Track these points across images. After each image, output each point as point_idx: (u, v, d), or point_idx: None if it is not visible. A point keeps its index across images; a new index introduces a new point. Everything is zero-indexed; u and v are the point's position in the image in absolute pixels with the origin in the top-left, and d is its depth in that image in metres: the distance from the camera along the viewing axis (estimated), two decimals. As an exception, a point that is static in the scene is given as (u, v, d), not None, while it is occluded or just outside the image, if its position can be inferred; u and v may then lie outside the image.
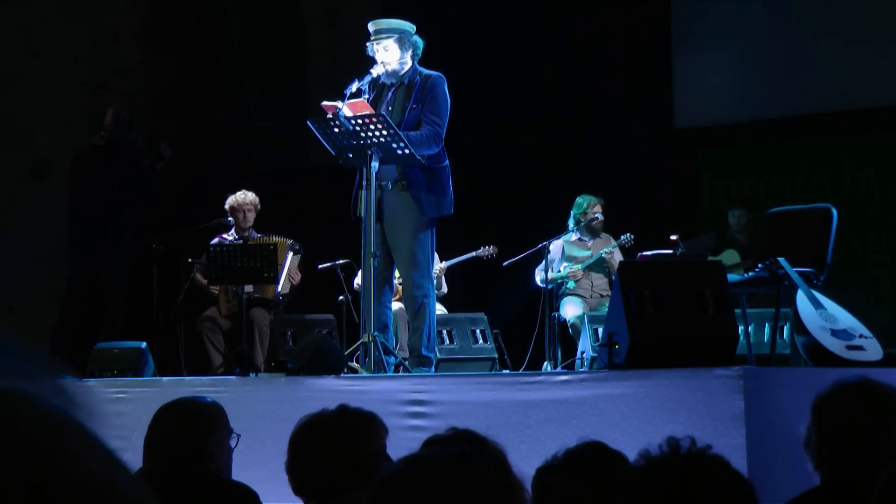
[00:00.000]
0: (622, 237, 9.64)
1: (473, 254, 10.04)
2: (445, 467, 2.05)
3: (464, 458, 2.08)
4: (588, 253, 9.66)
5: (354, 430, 3.52)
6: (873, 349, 6.03)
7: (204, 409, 4.05)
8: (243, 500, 4.00)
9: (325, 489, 3.46)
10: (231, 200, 9.40)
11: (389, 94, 7.16)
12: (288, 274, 9.26)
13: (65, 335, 8.93)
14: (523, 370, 8.77)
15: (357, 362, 7.04)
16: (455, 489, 2.01)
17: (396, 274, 7.44)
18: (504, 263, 9.74)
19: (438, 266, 9.64)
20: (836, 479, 3.05)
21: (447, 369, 8.29)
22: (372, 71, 7.10)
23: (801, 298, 6.30)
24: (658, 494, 2.04)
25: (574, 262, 9.62)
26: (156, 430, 3.99)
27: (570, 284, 9.56)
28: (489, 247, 10.01)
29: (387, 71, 7.10)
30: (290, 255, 9.28)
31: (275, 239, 9.24)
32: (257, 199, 9.41)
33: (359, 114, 6.84)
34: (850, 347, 6.04)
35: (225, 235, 9.38)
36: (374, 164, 6.87)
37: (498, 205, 11.18)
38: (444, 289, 9.86)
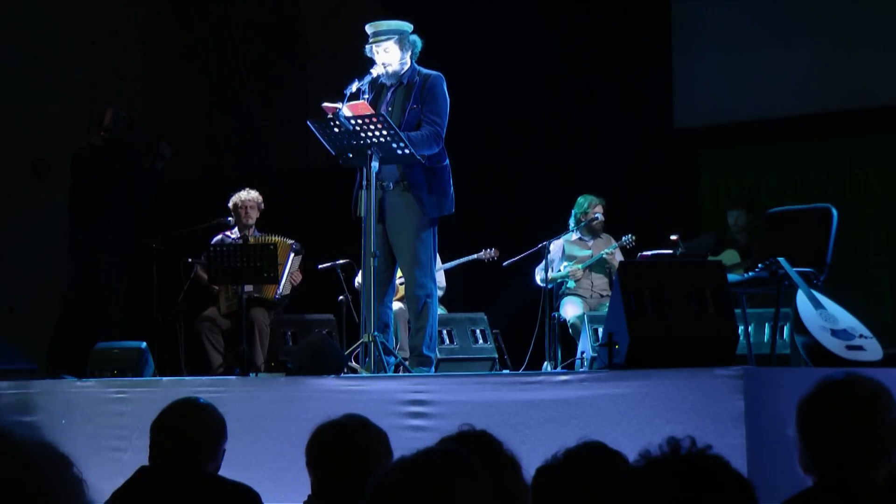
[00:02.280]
0: (623, 238, 9.64)
1: (474, 256, 10.03)
2: (437, 468, 2.05)
3: (456, 459, 2.08)
4: (588, 252, 9.66)
5: (362, 435, 3.54)
6: (873, 349, 6.03)
7: (212, 412, 4.07)
8: (246, 501, 4.00)
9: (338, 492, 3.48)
10: (235, 198, 9.43)
11: (389, 95, 7.16)
12: (289, 275, 9.27)
13: (65, 335, 8.92)
14: (523, 370, 8.77)
15: (357, 362, 7.04)
16: (446, 490, 2.01)
17: (397, 274, 7.44)
18: (504, 263, 9.74)
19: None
20: (828, 479, 3.04)
21: (447, 369, 8.29)
22: (372, 71, 7.10)
23: (801, 298, 6.30)
24: (658, 495, 2.03)
25: (574, 262, 9.62)
26: (165, 428, 4.00)
27: (570, 284, 9.56)
28: (490, 249, 10.00)
29: (387, 72, 7.10)
30: (292, 256, 9.29)
31: (275, 239, 9.24)
32: (261, 198, 9.44)
33: (359, 114, 6.85)
34: (850, 347, 6.04)
35: (228, 233, 9.40)
36: (375, 165, 6.87)
37: (498, 205, 11.18)
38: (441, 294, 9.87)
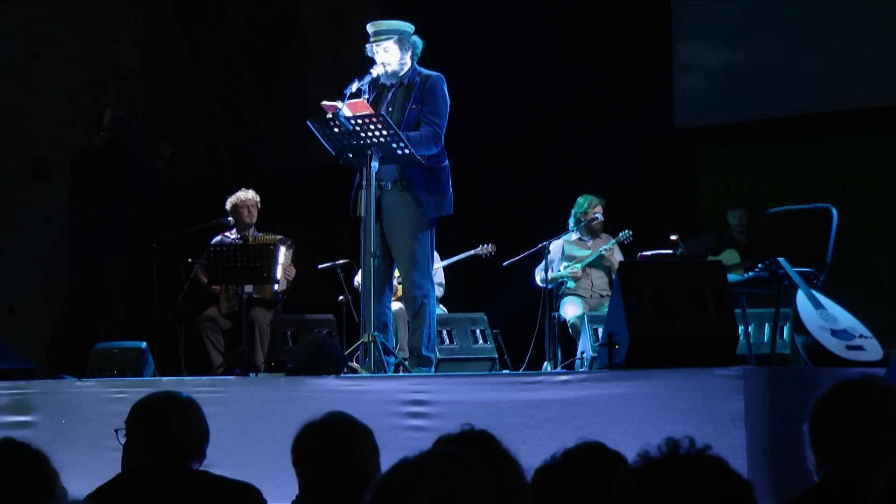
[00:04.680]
0: (621, 234, 9.65)
1: (472, 252, 10.03)
2: (441, 469, 2.05)
3: (459, 460, 2.08)
4: (588, 252, 9.66)
5: (347, 434, 3.52)
6: (873, 349, 6.02)
7: (196, 406, 4.03)
8: (248, 499, 3.99)
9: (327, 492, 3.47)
10: (232, 199, 9.43)
11: (389, 95, 7.16)
12: (283, 269, 9.24)
13: (65, 335, 8.92)
14: (523, 370, 8.77)
15: (357, 362, 7.04)
16: (450, 491, 2.01)
17: (396, 274, 7.44)
18: (504, 263, 9.74)
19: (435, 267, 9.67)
20: (835, 477, 3.04)
21: (447, 369, 8.29)
22: (372, 71, 7.10)
23: (801, 298, 6.30)
24: (656, 495, 2.04)
25: (574, 262, 9.62)
26: (152, 425, 3.96)
27: (570, 284, 9.56)
28: (487, 245, 10.00)
29: (387, 72, 7.10)
30: (283, 249, 9.26)
31: (269, 238, 9.25)
32: (258, 197, 9.44)
33: (358, 114, 6.85)
34: (850, 347, 6.04)
35: (227, 234, 9.40)
36: (374, 164, 6.87)
37: (498, 205, 11.18)
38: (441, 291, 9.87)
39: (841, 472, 3.02)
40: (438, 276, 9.68)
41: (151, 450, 3.89)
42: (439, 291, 9.64)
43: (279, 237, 9.34)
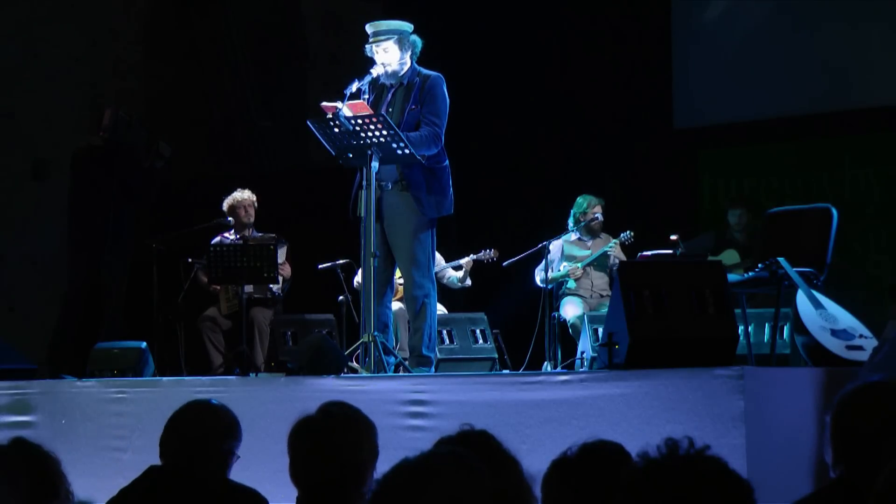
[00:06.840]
0: (622, 235, 9.65)
1: (474, 257, 10.02)
2: (442, 470, 2.05)
3: (460, 460, 2.08)
4: (588, 252, 9.66)
5: (342, 429, 3.52)
6: (873, 349, 6.02)
7: (222, 413, 4.06)
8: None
9: (322, 490, 3.46)
10: (229, 199, 9.46)
11: (389, 95, 7.16)
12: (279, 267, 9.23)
13: (65, 335, 8.92)
14: (523, 370, 8.77)
15: (357, 362, 7.04)
16: (451, 493, 2.01)
17: (397, 273, 7.44)
18: (504, 263, 9.74)
19: (465, 260, 9.77)
20: (851, 476, 3.04)
21: (447, 369, 8.29)
22: (372, 71, 7.10)
23: (801, 298, 6.30)
24: (656, 496, 2.04)
25: (574, 262, 9.62)
26: (174, 429, 3.99)
27: (571, 284, 9.55)
28: (489, 250, 9.98)
29: (386, 72, 7.10)
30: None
31: (265, 238, 9.25)
32: (254, 197, 9.46)
33: (358, 114, 6.85)
34: (850, 347, 6.04)
35: (227, 234, 9.41)
36: (374, 164, 6.87)
37: (498, 205, 11.18)
38: (469, 282, 9.91)
39: (856, 473, 3.02)
40: (448, 273, 9.78)
41: (176, 454, 3.93)
42: (465, 285, 9.80)
43: (272, 236, 9.36)
